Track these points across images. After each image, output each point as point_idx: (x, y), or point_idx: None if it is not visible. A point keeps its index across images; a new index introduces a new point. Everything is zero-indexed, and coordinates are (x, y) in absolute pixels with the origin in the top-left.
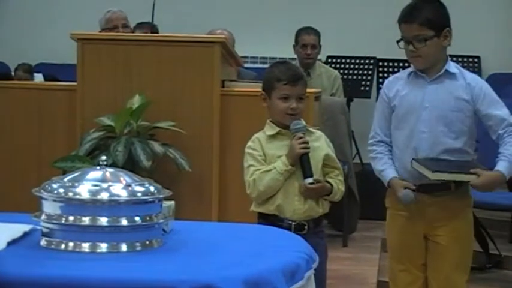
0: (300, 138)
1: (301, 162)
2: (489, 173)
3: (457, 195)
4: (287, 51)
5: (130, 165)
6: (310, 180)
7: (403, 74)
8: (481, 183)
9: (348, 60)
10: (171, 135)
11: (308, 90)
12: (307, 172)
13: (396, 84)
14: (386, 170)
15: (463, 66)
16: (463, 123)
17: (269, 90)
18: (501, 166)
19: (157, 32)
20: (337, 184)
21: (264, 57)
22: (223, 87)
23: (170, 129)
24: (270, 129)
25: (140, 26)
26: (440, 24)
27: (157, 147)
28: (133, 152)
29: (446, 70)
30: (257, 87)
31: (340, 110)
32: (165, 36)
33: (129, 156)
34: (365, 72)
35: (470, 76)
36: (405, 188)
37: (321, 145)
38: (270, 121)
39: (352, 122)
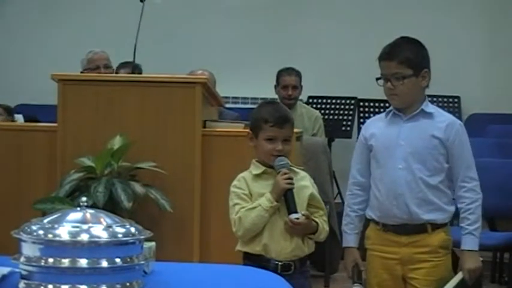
0: (285, 174)
1: (285, 199)
2: (464, 259)
3: (435, 236)
4: (268, 92)
5: (111, 206)
6: (295, 215)
7: (382, 114)
8: (470, 272)
9: (329, 101)
10: (152, 176)
11: None
12: (292, 208)
13: (374, 125)
14: (347, 234)
15: (443, 106)
16: (437, 161)
17: (256, 130)
18: (468, 244)
19: (140, 72)
20: (322, 224)
21: (245, 98)
22: (204, 127)
23: (151, 170)
24: (255, 169)
25: (124, 65)
26: (419, 64)
27: (138, 187)
28: (114, 192)
29: (422, 109)
30: (239, 127)
31: (321, 150)
32: (146, 77)
33: (110, 197)
34: (346, 112)
35: (449, 117)
36: (355, 276)
37: (306, 185)
38: (256, 161)
39: (334, 161)
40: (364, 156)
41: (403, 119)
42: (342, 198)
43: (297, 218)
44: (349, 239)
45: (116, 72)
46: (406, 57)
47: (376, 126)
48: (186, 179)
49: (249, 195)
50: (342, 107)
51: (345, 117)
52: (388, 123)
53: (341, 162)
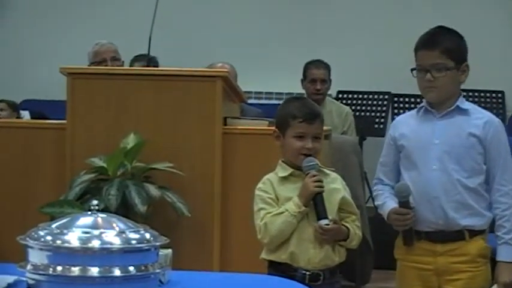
0: (314, 176)
1: (314, 203)
2: (499, 272)
3: (473, 244)
4: (294, 86)
5: (124, 210)
6: (325, 221)
7: (412, 111)
8: (506, 286)
9: (360, 96)
10: (168, 178)
11: None
12: (321, 213)
13: (404, 124)
14: (386, 202)
15: (485, 102)
16: (475, 161)
17: (283, 127)
18: (504, 255)
19: (156, 66)
20: (354, 229)
21: (269, 93)
22: (225, 124)
23: (167, 171)
24: (282, 171)
25: (138, 58)
26: (461, 56)
27: (154, 190)
28: (127, 195)
29: (457, 106)
30: (262, 124)
31: (352, 149)
32: (162, 70)
33: (123, 200)
34: (379, 108)
35: (487, 114)
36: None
37: (337, 187)
38: (282, 161)
39: (365, 162)
40: (391, 158)
41: (437, 116)
42: (374, 203)
43: (327, 224)
44: (390, 204)
45: (130, 66)
46: (449, 47)
47: (406, 125)
48: (205, 180)
49: (275, 200)
50: (375, 102)
51: (378, 114)
52: (420, 120)
53: (373, 162)
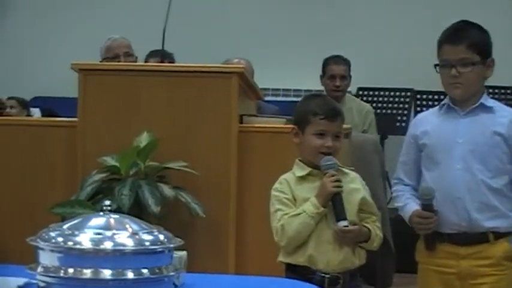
0: (332, 176)
1: (333, 204)
2: None
3: (497, 246)
4: (313, 83)
5: (137, 210)
6: (344, 223)
7: (434, 109)
8: None
9: (381, 93)
10: (183, 177)
11: None
12: (340, 214)
13: (425, 121)
14: (407, 204)
15: (505, 99)
16: (501, 161)
17: (302, 124)
18: None
19: (172, 61)
20: (375, 230)
21: (287, 90)
22: (241, 122)
23: (182, 171)
24: (299, 170)
25: (153, 54)
26: (486, 50)
27: (168, 190)
28: (140, 195)
29: (481, 103)
30: (279, 122)
31: (372, 148)
32: (176, 66)
33: (136, 200)
34: (401, 105)
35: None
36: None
37: (356, 187)
38: (300, 160)
39: (387, 162)
40: (412, 157)
41: (460, 114)
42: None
43: (346, 226)
44: (412, 206)
45: (145, 62)
46: (475, 42)
47: (428, 123)
48: (221, 180)
49: (292, 200)
50: (397, 99)
51: (400, 112)
52: (443, 118)
53: (395, 162)
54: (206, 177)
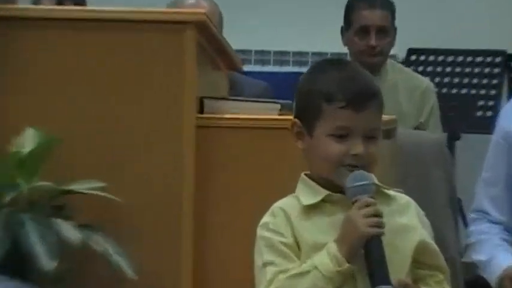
0: (367, 205)
1: (367, 255)
2: None
3: None
4: (329, 43)
5: (18, 265)
6: None
7: None
8: None
9: (449, 59)
10: (99, 208)
11: None
12: (380, 273)
13: None
14: (496, 257)
15: None
16: None
17: (310, 117)
18: None
19: (83, 4)
20: None
21: (283, 52)
22: (201, 111)
23: (96, 196)
24: (307, 194)
25: None
26: None
27: (71, 231)
28: (22, 240)
29: None
30: (269, 111)
31: (435, 156)
32: (89, 11)
33: (15, 248)
34: (485, 81)
35: None
36: None
37: (410, 223)
38: (307, 176)
39: (460, 179)
40: (503, 172)
41: None
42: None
43: None
44: (504, 258)
45: (34, 4)
46: None
47: None
48: (167, 210)
49: (294, 247)
50: (477, 71)
51: (483, 92)
52: None
53: (474, 181)
54: (141, 207)
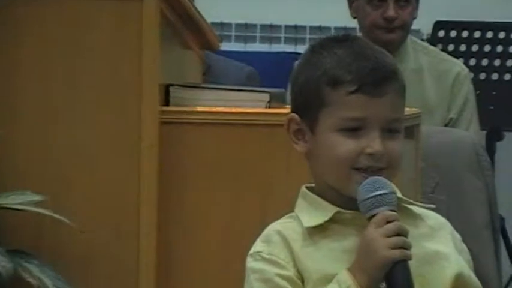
0: (388, 222)
1: (391, 285)
2: None
3: None
4: (332, 13)
5: None
6: None
7: None
8: None
9: (488, 35)
10: (36, 226)
11: None
12: None
13: None
14: None
15: None
16: None
17: (312, 110)
18: None
19: None
20: None
21: (272, 26)
22: (167, 103)
23: (30, 213)
24: (311, 211)
25: None
26: None
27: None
28: None
29: None
30: (255, 101)
31: (469, 162)
32: None
33: None
34: None
35: None
36: None
37: (444, 250)
38: (309, 189)
39: (502, 191)
40: None
41: None
42: None
43: None
44: None
45: None
46: None
47: None
48: (121, 236)
49: (295, 279)
50: None
51: None
52: None
53: None
54: (89, 228)
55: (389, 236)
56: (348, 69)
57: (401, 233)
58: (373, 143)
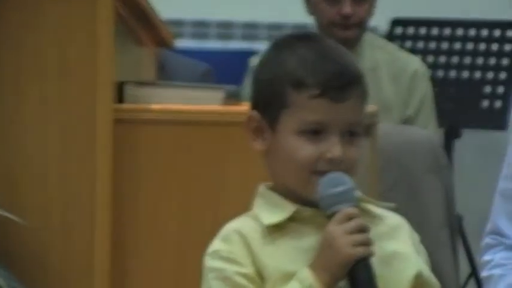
0: (350, 218)
1: (353, 283)
2: None
3: None
4: (287, 10)
5: None
6: None
7: None
8: None
9: (446, 32)
10: None
11: None
12: None
13: None
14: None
15: None
16: None
17: (272, 109)
18: None
19: None
20: None
21: (227, 23)
22: (120, 100)
23: None
24: (270, 210)
25: None
26: None
27: None
28: None
29: None
30: (211, 99)
31: (426, 160)
32: None
33: None
34: (493, 61)
35: None
36: None
37: (402, 250)
38: (268, 188)
39: (460, 190)
40: None
41: None
42: (478, 285)
43: None
44: None
45: None
46: None
47: None
48: (76, 238)
49: (254, 277)
50: (482, 48)
51: (490, 75)
52: None
53: (487, 194)
54: (42, 231)
55: (352, 233)
56: (312, 71)
57: (363, 229)
58: (333, 148)
